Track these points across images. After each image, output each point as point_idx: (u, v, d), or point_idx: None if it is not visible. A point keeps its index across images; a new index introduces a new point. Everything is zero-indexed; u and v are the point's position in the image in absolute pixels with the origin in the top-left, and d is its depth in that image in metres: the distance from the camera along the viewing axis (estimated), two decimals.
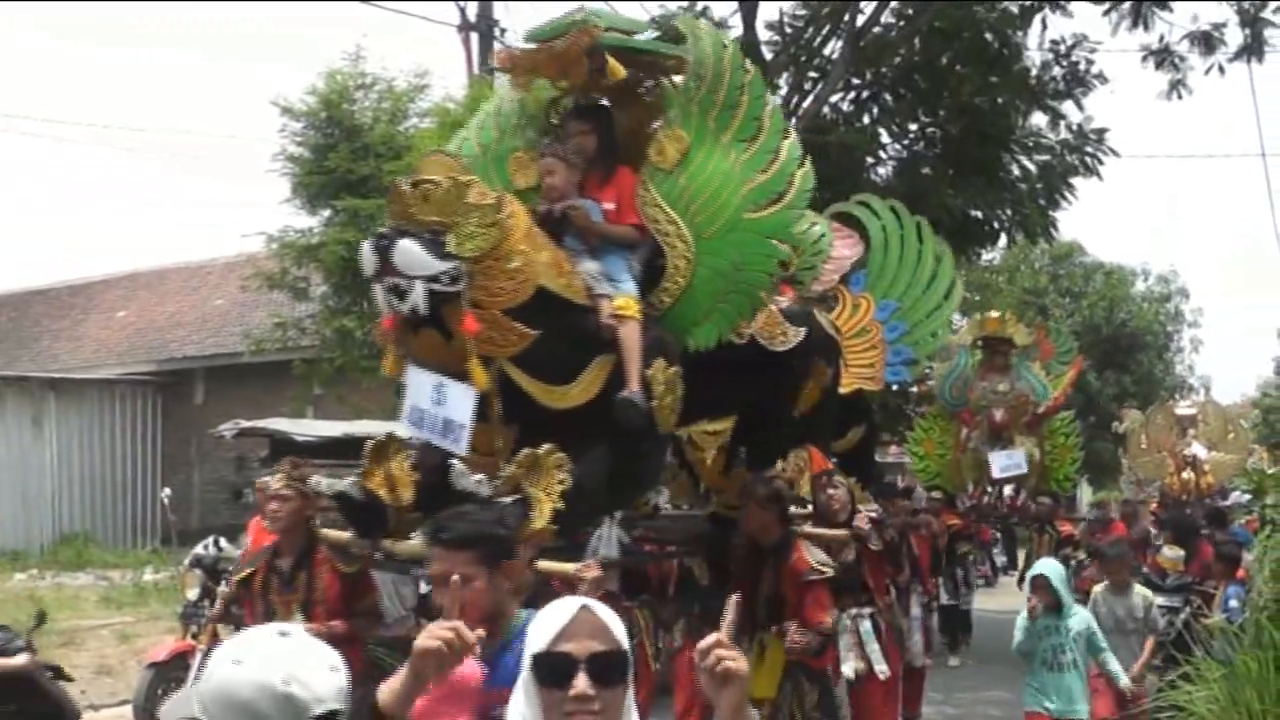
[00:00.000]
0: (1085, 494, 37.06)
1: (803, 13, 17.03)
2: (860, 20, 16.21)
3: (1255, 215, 73.59)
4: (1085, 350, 33.27)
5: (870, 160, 17.20)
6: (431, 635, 2.85)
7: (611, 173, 6.44)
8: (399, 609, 8.96)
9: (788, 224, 6.51)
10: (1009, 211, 16.87)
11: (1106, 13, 16.37)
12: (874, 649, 8.66)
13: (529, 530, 5.35)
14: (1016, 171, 17.07)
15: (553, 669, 2.51)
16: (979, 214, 16.72)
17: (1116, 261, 43.88)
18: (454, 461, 5.42)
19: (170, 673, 9.58)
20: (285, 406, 19.38)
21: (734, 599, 2.69)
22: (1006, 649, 8.44)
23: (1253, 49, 16.29)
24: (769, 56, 16.45)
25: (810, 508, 7.98)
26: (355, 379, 18.00)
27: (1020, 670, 8.38)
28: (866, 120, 17.23)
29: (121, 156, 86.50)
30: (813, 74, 16.85)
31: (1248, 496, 14.05)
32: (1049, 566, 8.54)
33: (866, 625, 8.69)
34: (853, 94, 17.24)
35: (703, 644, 2.52)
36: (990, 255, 27.43)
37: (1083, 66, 17.00)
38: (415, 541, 5.57)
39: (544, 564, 5.51)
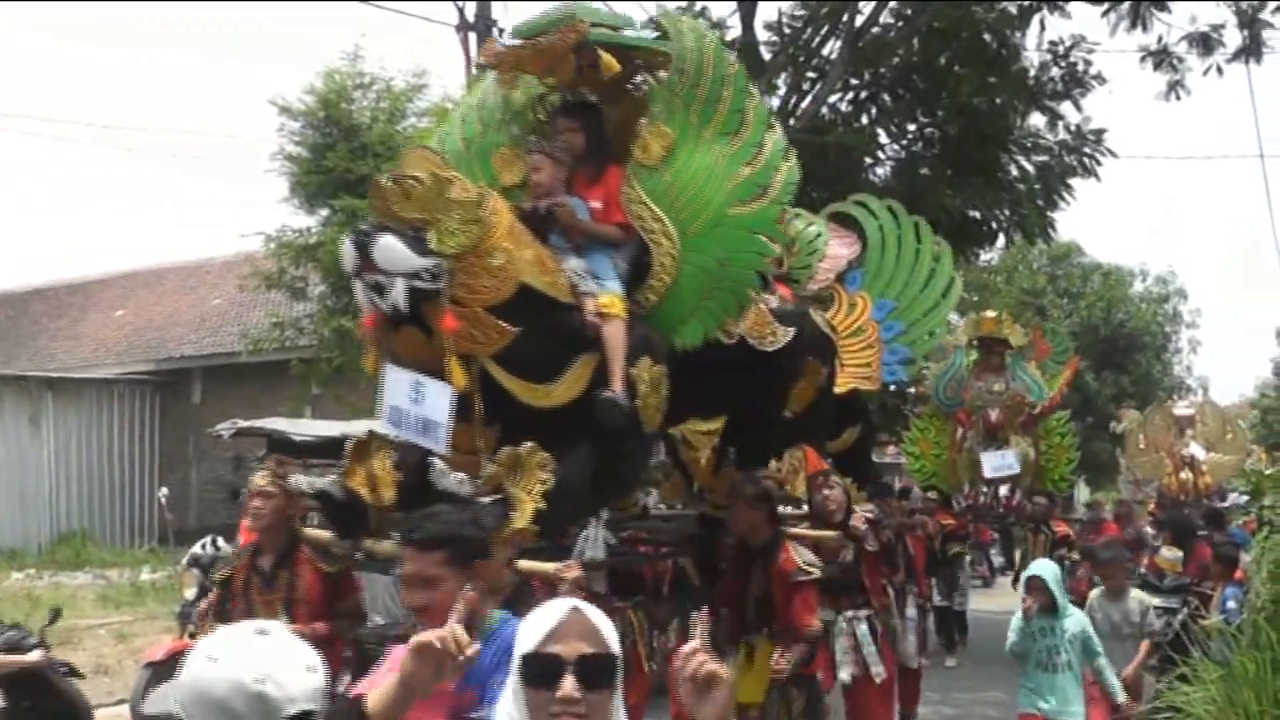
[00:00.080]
0: (1084, 494, 37.09)
1: (801, 13, 17.01)
2: (859, 20, 16.20)
3: (1253, 216, 73.87)
4: (1083, 351, 33.38)
5: (869, 160, 17.20)
6: (429, 633, 2.83)
7: (600, 171, 6.39)
8: (401, 610, 8.94)
9: (773, 218, 6.44)
10: (1007, 212, 16.86)
11: (1105, 14, 16.37)
12: (870, 651, 8.61)
13: (510, 530, 5.29)
14: (1015, 172, 17.07)
15: (540, 670, 2.49)
16: (977, 214, 16.71)
17: (1115, 262, 44.04)
18: (434, 460, 5.37)
19: (167, 672, 9.54)
20: (283, 406, 19.39)
21: (703, 613, 2.68)
22: (1003, 649, 8.41)
23: (1251, 50, 16.30)
24: (767, 57, 16.45)
25: (806, 508, 7.92)
26: (353, 379, 17.98)
27: (1018, 671, 8.36)
28: (865, 120, 17.22)
29: (121, 156, 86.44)
30: (811, 74, 16.84)
31: (1245, 497, 14.05)
32: (1044, 567, 8.49)
33: (863, 628, 8.63)
34: (851, 94, 17.23)
35: (683, 651, 2.51)
36: (988, 256, 27.44)
37: (1081, 67, 17.00)
38: (395, 541, 5.54)
39: (524, 564, 5.46)
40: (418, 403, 5.46)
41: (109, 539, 23.73)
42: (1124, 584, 9.30)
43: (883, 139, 17.47)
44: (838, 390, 8.54)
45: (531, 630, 2.54)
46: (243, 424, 15.07)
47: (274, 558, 6.69)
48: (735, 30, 16.48)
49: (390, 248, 5.25)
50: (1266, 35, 16.16)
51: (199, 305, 27.75)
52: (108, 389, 24.98)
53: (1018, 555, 16.63)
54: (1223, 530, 13.73)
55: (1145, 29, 16.45)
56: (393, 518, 5.63)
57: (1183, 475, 19.52)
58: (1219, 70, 16.65)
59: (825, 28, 16.62)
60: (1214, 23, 16.60)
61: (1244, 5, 16.11)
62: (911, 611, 9.92)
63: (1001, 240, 18.28)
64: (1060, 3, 16.65)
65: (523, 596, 5.32)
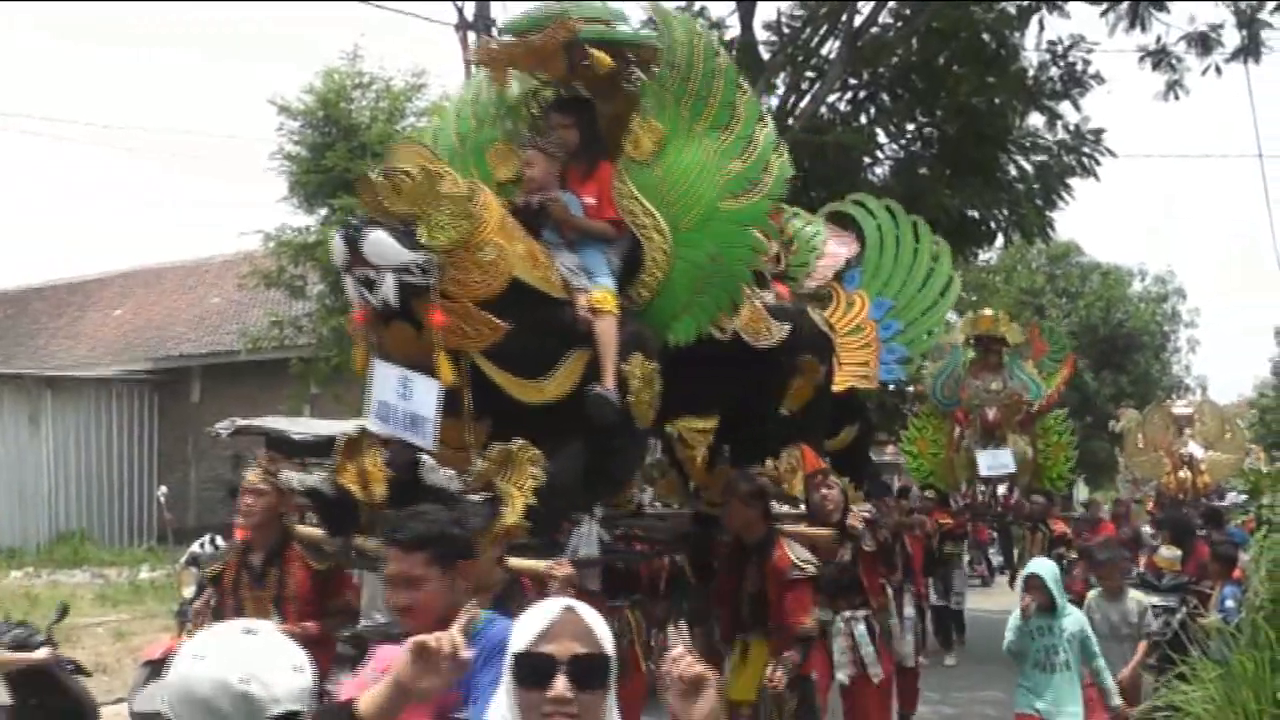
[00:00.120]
0: (1083, 493, 37.11)
1: (800, 13, 17.03)
2: (858, 20, 16.21)
3: (1252, 216, 73.90)
4: (1082, 350, 33.43)
5: (867, 160, 17.22)
6: (426, 636, 2.81)
7: (594, 167, 6.36)
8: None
9: (764, 212, 6.42)
10: (1006, 211, 16.88)
11: (1104, 13, 16.39)
12: (868, 651, 8.58)
13: (500, 527, 5.26)
14: (1014, 171, 17.09)
15: (533, 669, 2.47)
16: (976, 214, 16.74)
17: (1113, 262, 44.13)
18: (424, 457, 5.33)
19: (165, 671, 9.56)
20: (282, 405, 19.37)
21: (681, 626, 2.67)
22: (1002, 649, 8.39)
23: (1249, 50, 16.32)
24: (766, 56, 16.48)
25: (804, 507, 7.85)
26: (352, 377, 17.80)
27: (1017, 670, 8.33)
28: (864, 120, 17.24)
29: (121, 156, 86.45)
30: (810, 74, 16.85)
31: (1244, 496, 14.07)
32: (1043, 565, 8.44)
33: (861, 629, 8.58)
34: (850, 94, 17.25)
35: (669, 656, 2.51)
36: (987, 255, 27.51)
37: (1080, 67, 17.02)
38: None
39: (515, 561, 5.43)
40: (405, 398, 5.42)
41: (108, 538, 23.71)
42: (1122, 585, 9.28)
43: (881, 139, 17.51)
44: (836, 389, 8.52)
45: (525, 629, 2.52)
46: (241, 423, 15.01)
47: (264, 555, 6.66)
48: (734, 30, 16.53)
49: (380, 242, 5.23)
50: (1265, 35, 16.20)
51: (198, 304, 27.73)
52: (106, 388, 24.97)
53: (1016, 554, 16.64)
54: (1221, 529, 13.74)
55: (1144, 29, 16.49)
56: (384, 515, 5.60)
57: (1181, 474, 19.55)
58: (1217, 70, 16.68)
59: (824, 27, 16.63)
60: (1213, 22, 16.67)
61: (1242, 5, 16.13)
62: (909, 611, 9.89)
63: (1000, 240, 18.31)
64: (1059, 2, 16.67)
65: (513, 594, 5.31)
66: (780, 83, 16.79)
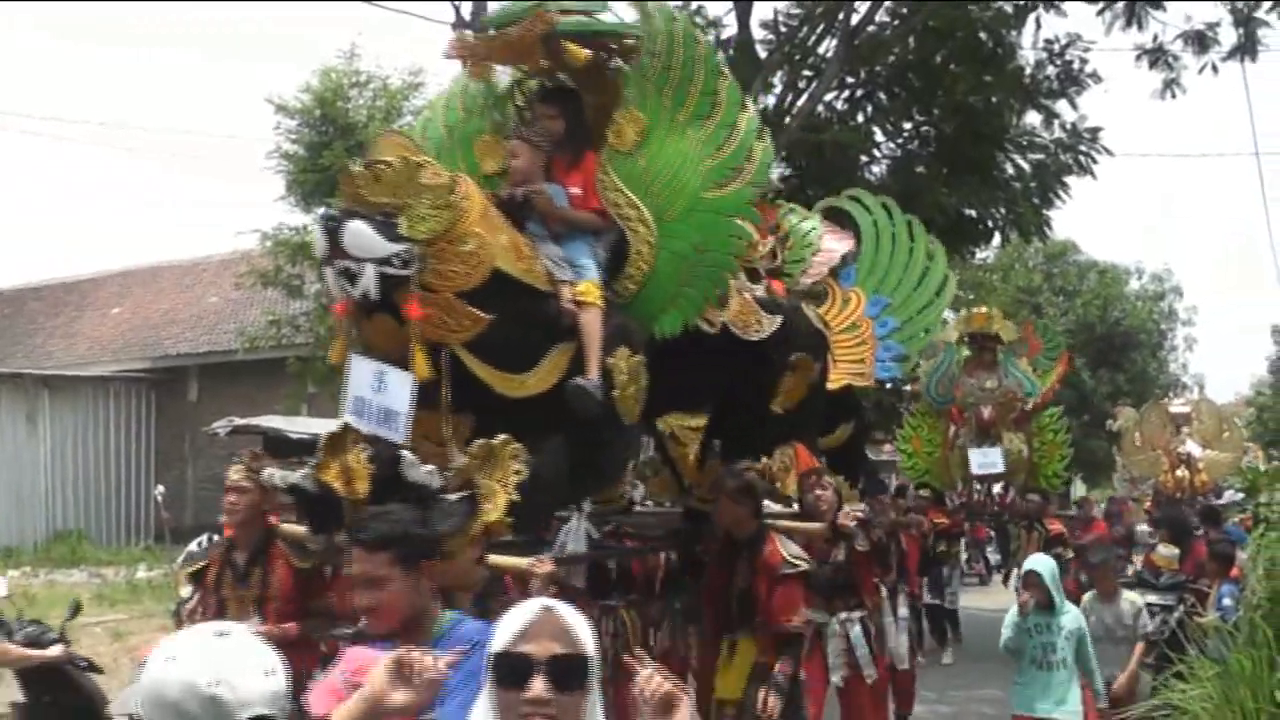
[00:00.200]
0: (1081, 492, 37.14)
1: (797, 12, 17.05)
2: (855, 19, 16.23)
3: (1249, 214, 73.68)
4: (1079, 348, 33.44)
5: (864, 159, 17.24)
6: (402, 653, 2.80)
7: (579, 157, 6.27)
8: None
9: (748, 200, 6.30)
10: (1003, 210, 16.91)
11: (1100, 12, 16.42)
12: (863, 653, 8.56)
13: (479, 524, 5.18)
14: (1010, 170, 17.12)
15: (511, 669, 2.45)
16: (973, 212, 16.76)
17: (1110, 260, 44.21)
18: (405, 453, 5.23)
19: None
20: (279, 404, 19.37)
21: (662, 634, 2.66)
22: (998, 646, 8.38)
23: (1246, 48, 16.35)
24: (763, 55, 16.49)
25: (797, 506, 7.79)
26: None
27: (1014, 669, 8.32)
28: (861, 119, 17.26)
29: (121, 156, 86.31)
30: (807, 73, 16.87)
31: (1241, 495, 14.06)
32: (1041, 562, 8.40)
33: (856, 630, 8.56)
34: (847, 93, 17.28)
35: (641, 676, 2.49)
36: (984, 254, 27.53)
37: (1076, 66, 17.05)
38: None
39: (496, 559, 5.37)
40: (380, 392, 5.33)
41: (105, 537, 23.69)
42: (1116, 586, 9.27)
43: (878, 137, 17.54)
44: (831, 386, 8.43)
45: (504, 629, 2.50)
46: (239, 422, 15.06)
47: (248, 554, 6.61)
48: (731, 29, 16.55)
49: (359, 233, 5.14)
50: (1262, 33, 16.25)
51: (195, 303, 27.72)
52: (104, 387, 24.95)
53: (1012, 553, 16.64)
54: (1218, 528, 13.74)
55: (1141, 27, 16.53)
56: (367, 511, 5.55)
57: (1179, 473, 19.56)
58: (1214, 68, 16.73)
59: (821, 26, 16.65)
60: (1209, 21, 16.70)
61: (1239, 4, 16.16)
62: (903, 611, 9.85)
63: (997, 238, 18.35)
64: (1056, 1, 16.68)
65: (495, 593, 5.28)
66: (777, 81, 16.82)
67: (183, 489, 23.70)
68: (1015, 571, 11.92)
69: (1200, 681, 7.40)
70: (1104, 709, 8.12)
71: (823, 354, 7.98)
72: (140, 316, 28.31)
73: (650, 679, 2.48)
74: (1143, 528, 16.97)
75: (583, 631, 2.52)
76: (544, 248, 5.97)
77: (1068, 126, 17.13)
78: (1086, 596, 9.21)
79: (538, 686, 2.42)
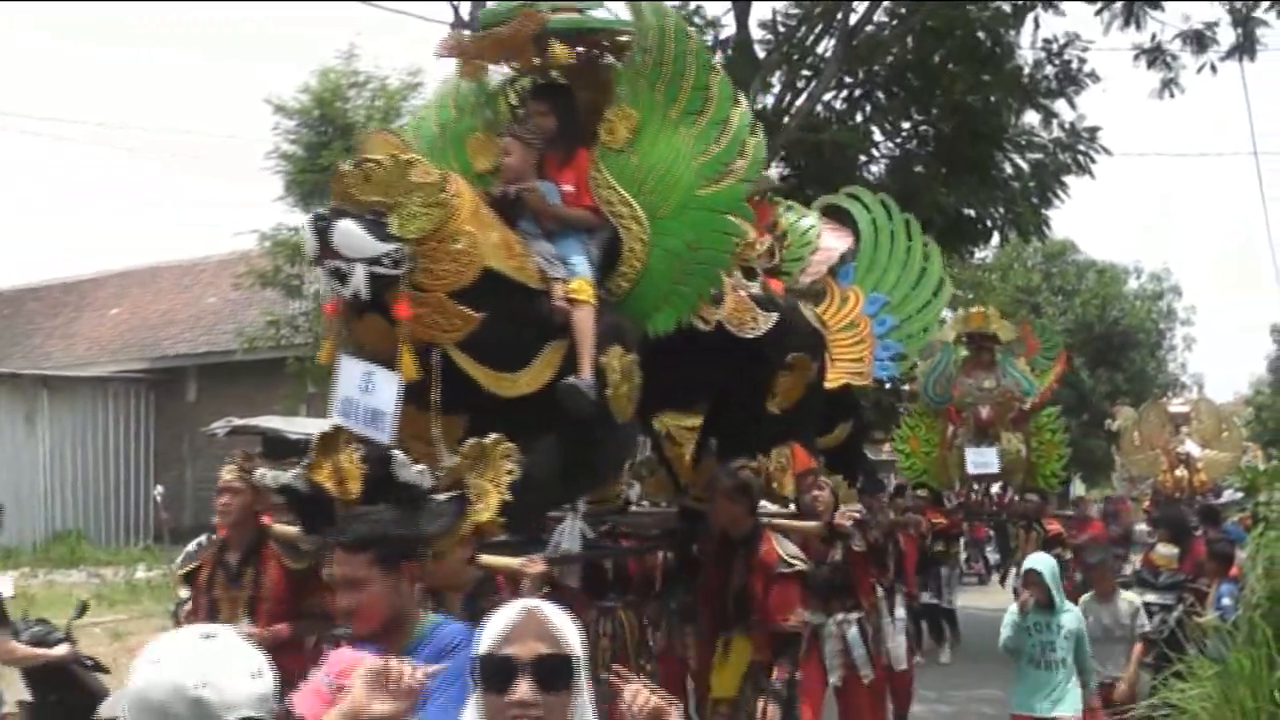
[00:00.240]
0: (1079, 491, 37.14)
1: (796, 11, 17.06)
2: (853, 19, 16.24)
3: (1247, 213, 73.70)
4: (1078, 348, 33.42)
5: (863, 158, 17.23)
6: (379, 663, 2.80)
7: (571, 154, 6.22)
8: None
9: (741, 196, 6.23)
10: (1001, 210, 16.91)
11: (1099, 12, 16.42)
12: (860, 654, 8.52)
13: (469, 524, 5.14)
14: (1009, 170, 17.12)
15: (495, 672, 2.44)
16: (972, 212, 16.76)
17: (1109, 259, 44.21)
18: (396, 452, 5.18)
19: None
20: (278, 404, 19.33)
21: (624, 683, 2.64)
22: (998, 647, 8.36)
23: (1244, 48, 16.36)
24: (762, 55, 16.49)
25: (793, 507, 7.73)
26: None
27: (1014, 668, 8.31)
28: (859, 119, 17.26)
29: (121, 156, 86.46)
30: (806, 72, 16.87)
31: (1241, 494, 14.06)
32: (1042, 561, 8.38)
33: (853, 631, 8.52)
34: (845, 92, 17.28)
35: (627, 692, 2.49)
36: (983, 253, 27.52)
37: (1075, 65, 17.06)
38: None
39: (487, 559, 5.35)
40: (367, 392, 5.29)
41: (104, 538, 23.67)
42: (1114, 586, 9.25)
43: (877, 137, 17.54)
44: (829, 385, 8.37)
45: (488, 632, 2.49)
46: (238, 422, 15.00)
47: (240, 554, 6.58)
48: (730, 28, 16.55)
49: (349, 233, 5.11)
50: (1260, 33, 16.26)
51: (194, 304, 27.69)
52: (102, 387, 24.92)
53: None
54: (1218, 527, 13.74)
55: (1139, 27, 16.53)
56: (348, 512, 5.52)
57: (1178, 472, 19.54)
58: (1212, 68, 16.74)
59: (820, 26, 16.66)
60: (1207, 20, 16.69)
61: (1237, 4, 16.15)
62: (900, 612, 9.83)
63: (996, 238, 18.35)
64: (1054, 1, 16.68)
65: (486, 593, 5.26)
66: (776, 81, 16.82)
67: (181, 489, 23.66)
68: (1014, 571, 11.92)
69: (1199, 681, 7.41)
70: (1095, 709, 8.12)
71: (820, 353, 7.93)
72: (139, 317, 28.29)
73: (637, 695, 2.49)
74: (1142, 527, 16.97)
75: (567, 631, 2.50)
76: (536, 245, 5.93)
77: (1066, 126, 17.16)
78: (1084, 597, 9.19)
79: (523, 688, 2.40)
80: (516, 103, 6.69)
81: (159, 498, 20.04)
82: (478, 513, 5.17)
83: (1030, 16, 16.75)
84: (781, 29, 16.95)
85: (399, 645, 3.62)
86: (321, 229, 5.15)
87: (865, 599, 8.75)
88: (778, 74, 16.77)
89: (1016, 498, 15.54)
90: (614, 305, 6.05)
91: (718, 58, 15.36)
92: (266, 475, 5.55)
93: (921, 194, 15.20)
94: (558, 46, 6.17)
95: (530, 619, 2.48)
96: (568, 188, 6.14)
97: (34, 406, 23.45)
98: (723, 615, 7.01)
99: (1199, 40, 16.62)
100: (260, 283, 20.17)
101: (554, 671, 2.44)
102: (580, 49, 6.47)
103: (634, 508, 8.26)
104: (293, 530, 6.09)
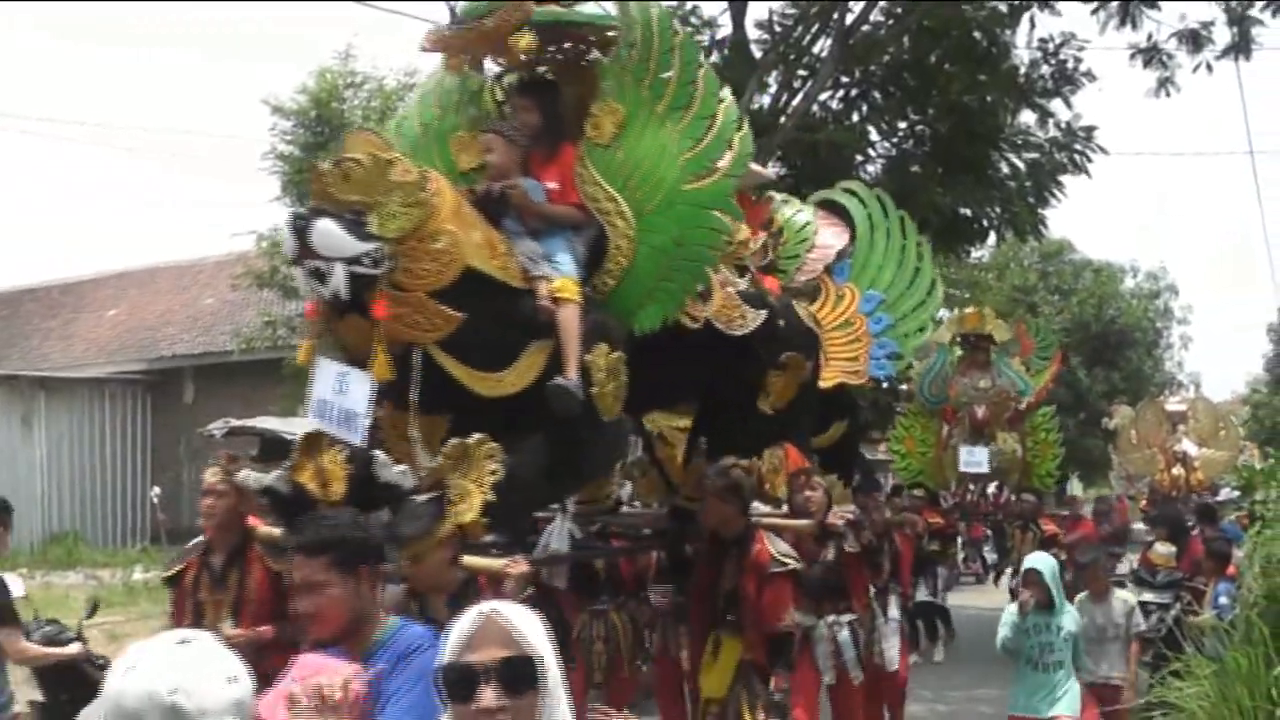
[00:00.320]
0: (1077, 490, 37.17)
1: (792, 11, 17.04)
2: (849, 19, 16.22)
3: (1243, 212, 74.03)
4: (1074, 347, 33.42)
5: (859, 158, 17.21)
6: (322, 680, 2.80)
7: (556, 151, 6.17)
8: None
9: (727, 192, 6.18)
10: (998, 209, 16.90)
11: (1095, 11, 16.42)
12: (850, 657, 8.48)
13: (449, 526, 5.10)
14: (1005, 169, 17.10)
15: (458, 681, 2.40)
16: (968, 212, 16.75)
17: (1105, 259, 44.27)
18: (378, 453, 5.14)
19: None
20: (275, 405, 19.27)
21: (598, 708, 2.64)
22: (995, 646, 8.36)
23: (1240, 47, 16.36)
24: (758, 55, 16.47)
25: (785, 508, 7.68)
26: None
27: (1012, 668, 8.30)
28: (855, 118, 17.24)
29: (121, 156, 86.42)
30: (802, 72, 16.86)
31: (1238, 493, 14.07)
32: (1042, 561, 8.35)
33: (845, 634, 8.49)
34: (842, 92, 17.25)
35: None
36: (979, 253, 27.48)
37: (1071, 64, 17.05)
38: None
39: (470, 560, 5.32)
40: (341, 393, 5.25)
41: (101, 539, 23.67)
42: (1107, 585, 9.22)
43: (873, 136, 17.51)
44: (824, 384, 8.31)
45: (450, 641, 2.46)
46: (235, 423, 14.90)
47: (225, 556, 6.54)
48: (726, 28, 16.54)
49: (328, 232, 5.05)
50: (1256, 32, 16.25)
51: (191, 305, 27.69)
52: (100, 388, 24.92)
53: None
54: (1215, 526, 13.76)
55: (1135, 26, 16.52)
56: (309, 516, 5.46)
57: (1175, 471, 19.58)
58: (1208, 67, 16.72)
59: (816, 26, 16.65)
60: (1203, 20, 16.70)
61: (1233, 3, 16.16)
62: (894, 613, 9.82)
63: (992, 238, 18.36)
64: (1050, 1, 16.68)
65: (470, 594, 5.19)
66: (772, 81, 16.81)
67: (179, 490, 23.62)
68: (1010, 571, 11.91)
69: (1197, 679, 7.41)
70: (1087, 707, 8.13)
71: (814, 353, 7.88)
72: (136, 318, 28.29)
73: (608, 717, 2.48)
74: (1139, 526, 16.98)
75: (530, 631, 2.46)
76: (520, 244, 5.88)
77: (1062, 125, 17.13)
78: (1079, 597, 9.18)
79: (487, 695, 2.37)
80: (502, 99, 6.63)
81: (156, 499, 20.00)
82: (460, 514, 5.12)
83: (1026, 16, 16.74)
84: (778, 29, 16.94)
85: (360, 649, 3.61)
86: (300, 228, 5.09)
87: (858, 600, 8.71)
88: (774, 74, 16.77)
89: (1012, 498, 15.56)
90: (600, 302, 6.01)
91: (714, 58, 15.41)
92: (250, 477, 5.49)
93: (918, 193, 15.18)
94: (524, 37, 6.06)
95: (489, 624, 2.44)
96: (552, 184, 6.09)
97: (31, 408, 23.45)
98: (712, 615, 6.98)
99: (1195, 39, 16.62)
100: (257, 283, 20.19)
101: (517, 674, 2.40)
102: (566, 44, 6.44)
103: (625, 508, 8.24)
104: (277, 532, 6.06)
